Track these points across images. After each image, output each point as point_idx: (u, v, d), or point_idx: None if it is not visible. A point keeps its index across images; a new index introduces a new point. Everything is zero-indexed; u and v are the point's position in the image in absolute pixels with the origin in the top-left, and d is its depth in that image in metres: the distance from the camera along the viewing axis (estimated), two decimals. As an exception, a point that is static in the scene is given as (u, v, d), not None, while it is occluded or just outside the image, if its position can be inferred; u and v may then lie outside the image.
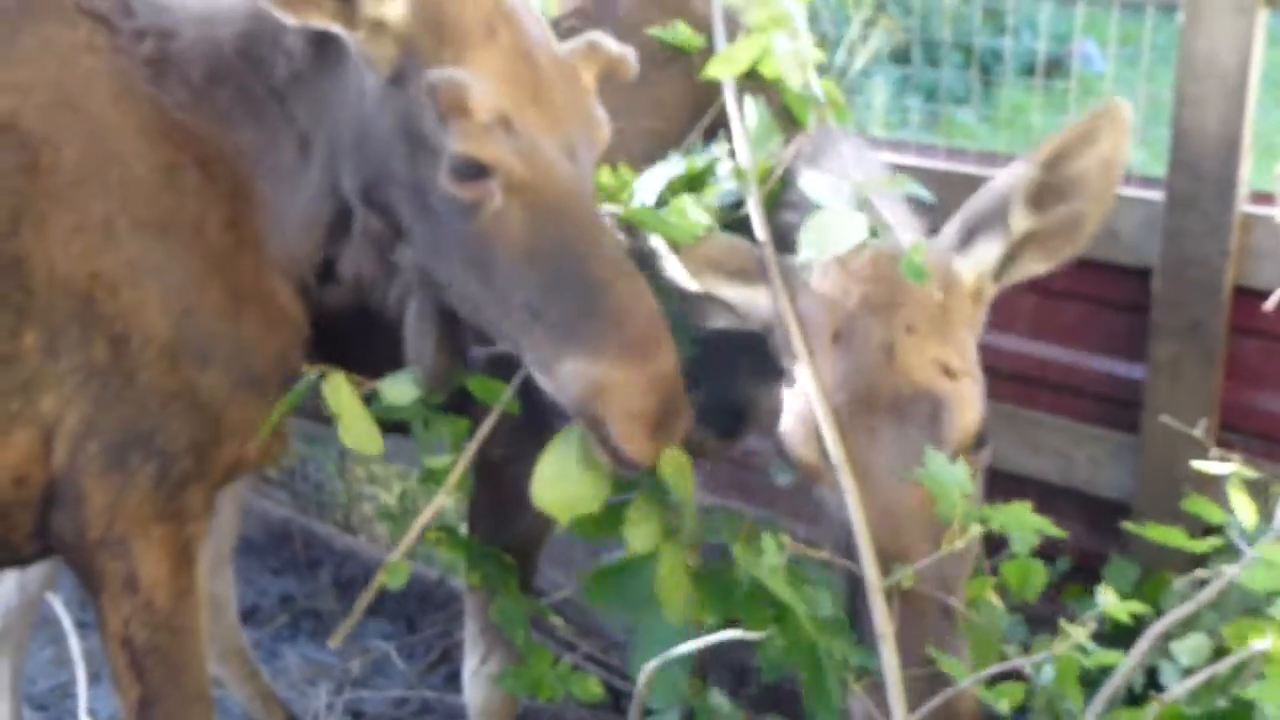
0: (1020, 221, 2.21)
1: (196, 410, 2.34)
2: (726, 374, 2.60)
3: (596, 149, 2.27)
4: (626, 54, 2.27)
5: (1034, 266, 2.28)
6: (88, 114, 2.26)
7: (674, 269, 2.27)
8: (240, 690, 3.71)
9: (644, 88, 2.47)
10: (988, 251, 2.25)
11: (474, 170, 2.11)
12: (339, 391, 2.37)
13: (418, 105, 2.13)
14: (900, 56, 4.21)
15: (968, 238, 2.25)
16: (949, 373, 2.14)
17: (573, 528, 2.40)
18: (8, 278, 2.21)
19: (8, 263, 2.21)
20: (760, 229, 2.29)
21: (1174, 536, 2.27)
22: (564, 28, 2.64)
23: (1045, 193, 2.21)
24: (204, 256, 2.32)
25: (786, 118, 2.56)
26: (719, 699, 2.60)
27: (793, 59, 2.56)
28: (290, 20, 2.13)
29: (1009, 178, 2.21)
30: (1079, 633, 1.95)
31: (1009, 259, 2.27)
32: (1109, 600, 1.97)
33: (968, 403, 2.14)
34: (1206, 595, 2.12)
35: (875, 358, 2.11)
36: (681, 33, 2.59)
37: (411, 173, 2.19)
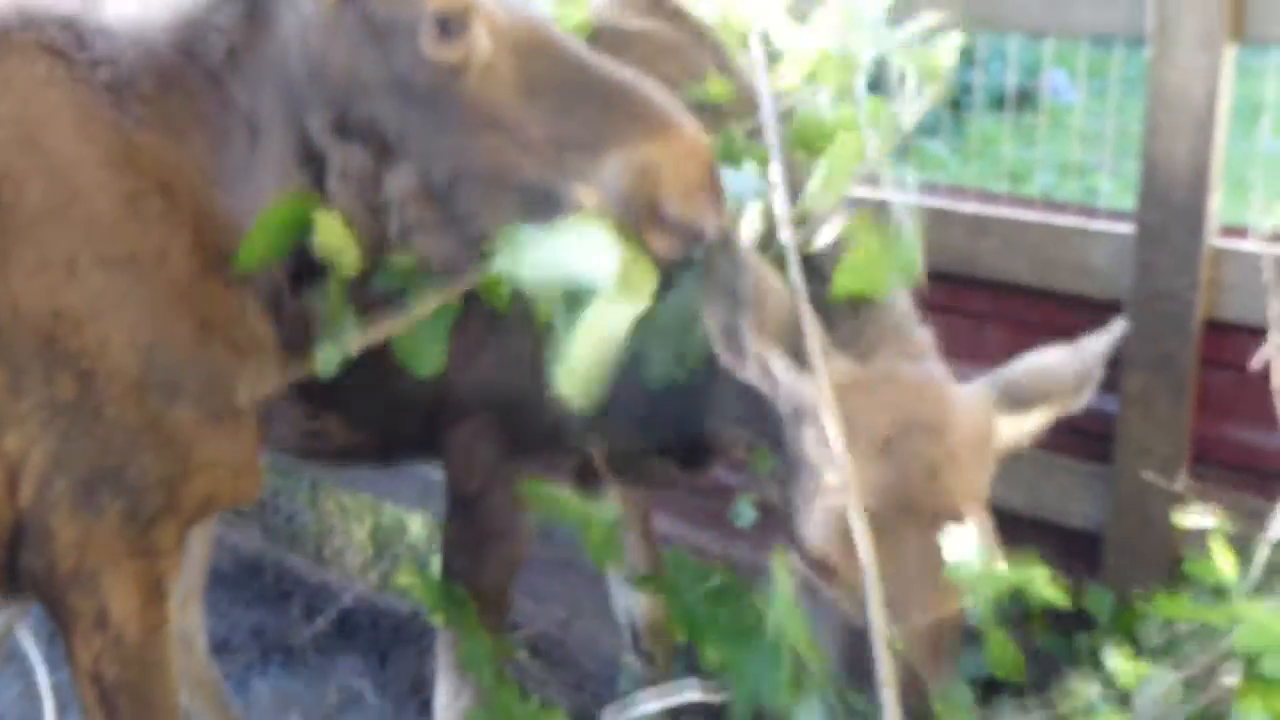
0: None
1: (166, 444, 2.31)
2: (692, 406, 2.59)
3: None
4: None
5: None
6: (49, 150, 2.24)
7: (750, 322, 2.25)
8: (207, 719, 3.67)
9: None
10: (1026, 424, 2.38)
11: (455, 24, 2.15)
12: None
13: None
14: (872, 87, 4.18)
15: (1011, 403, 2.35)
16: (975, 500, 2.20)
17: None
18: None
19: None
20: (808, 321, 2.27)
21: (1182, 609, 2.29)
22: None
23: None
24: (169, 287, 2.29)
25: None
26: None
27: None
28: None
29: (1040, 372, 2.41)
30: (1087, 691, 1.95)
31: None
32: (1118, 665, 1.96)
33: (989, 534, 2.20)
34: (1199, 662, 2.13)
35: (919, 474, 2.14)
36: (714, 87, 2.61)
37: (387, 70, 2.21)
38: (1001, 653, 2.26)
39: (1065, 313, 3.20)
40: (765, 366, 2.27)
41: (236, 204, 2.34)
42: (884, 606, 2.06)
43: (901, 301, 2.46)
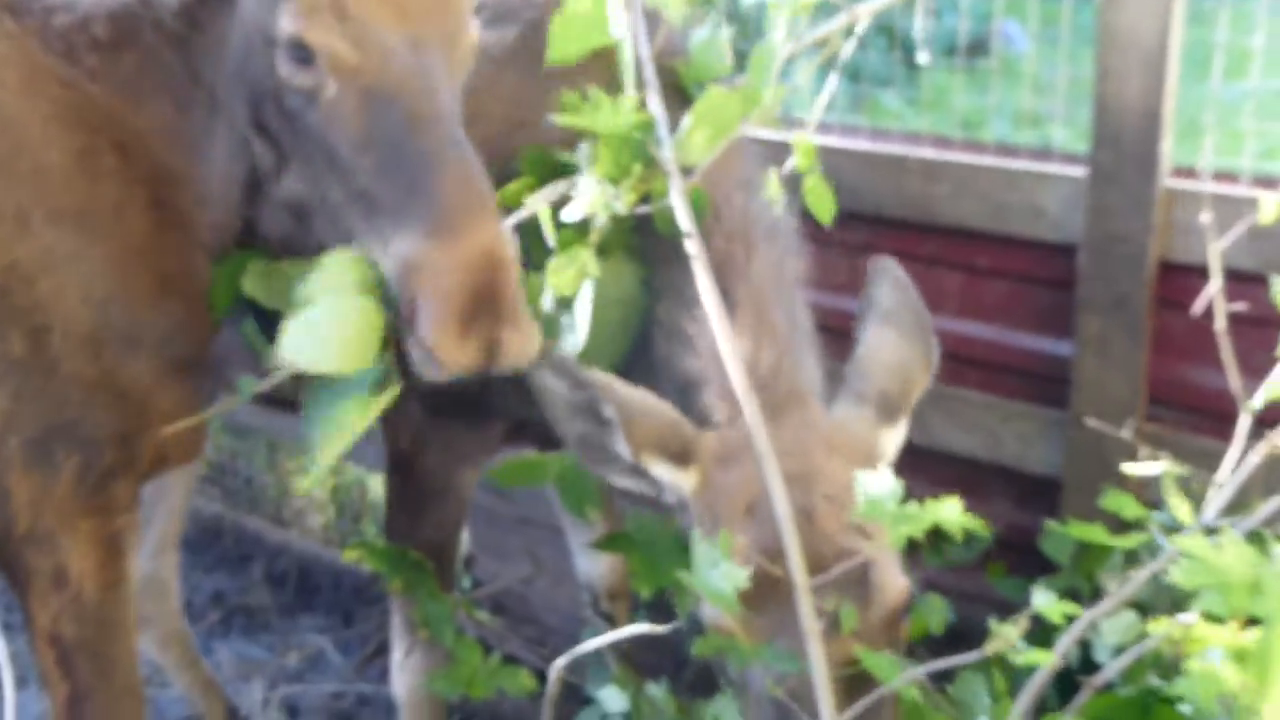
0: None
1: (121, 399, 2.30)
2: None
3: (455, 50, 2.18)
4: None
5: None
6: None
7: (620, 442, 2.22)
8: (180, 678, 3.67)
9: (567, 82, 2.43)
10: (900, 433, 2.37)
11: (303, 54, 2.07)
12: None
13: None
14: (825, 40, 4.14)
15: (886, 414, 2.35)
16: (865, 534, 2.14)
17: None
18: None
19: None
20: (709, 300, 2.19)
21: (1095, 533, 2.30)
22: (483, 19, 2.59)
23: None
24: (125, 242, 2.28)
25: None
26: (654, 689, 2.58)
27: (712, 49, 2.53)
28: None
29: (894, 369, 2.38)
30: (1010, 633, 1.93)
31: None
32: (1042, 601, 1.94)
33: (890, 566, 2.15)
34: (1129, 590, 2.11)
35: (797, 523, 2.07)
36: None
37: (270, 76, 2.14)
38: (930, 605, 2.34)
39: (1019, 256, 3.20)
40: (641, 473, 2.26)
41: (193, 168, 2.32)
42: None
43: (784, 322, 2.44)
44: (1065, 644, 2.05)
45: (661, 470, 2.24)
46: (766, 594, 2.07)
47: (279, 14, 2.07)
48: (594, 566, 3.45)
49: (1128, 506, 2.35)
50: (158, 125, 2.31)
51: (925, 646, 2.49)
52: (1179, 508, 2.29)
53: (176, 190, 2.33)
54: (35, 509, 2.27)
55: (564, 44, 2.38)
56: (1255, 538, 1.97)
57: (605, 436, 2.24)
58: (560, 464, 2.49)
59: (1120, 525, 2.39)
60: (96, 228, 2.26)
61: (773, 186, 2.48)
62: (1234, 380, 2.37)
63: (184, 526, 3.62)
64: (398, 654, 3.13)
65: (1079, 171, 3.03)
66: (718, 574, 2.02)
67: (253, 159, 2.29)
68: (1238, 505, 2.36)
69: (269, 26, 2.10)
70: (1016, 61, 5.25)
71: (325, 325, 2.12)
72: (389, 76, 2.07)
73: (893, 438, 2.36)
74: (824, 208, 2.42)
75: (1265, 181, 2.92)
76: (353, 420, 2.20)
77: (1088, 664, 2.35)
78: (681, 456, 2.24)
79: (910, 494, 2.06)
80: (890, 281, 2.47)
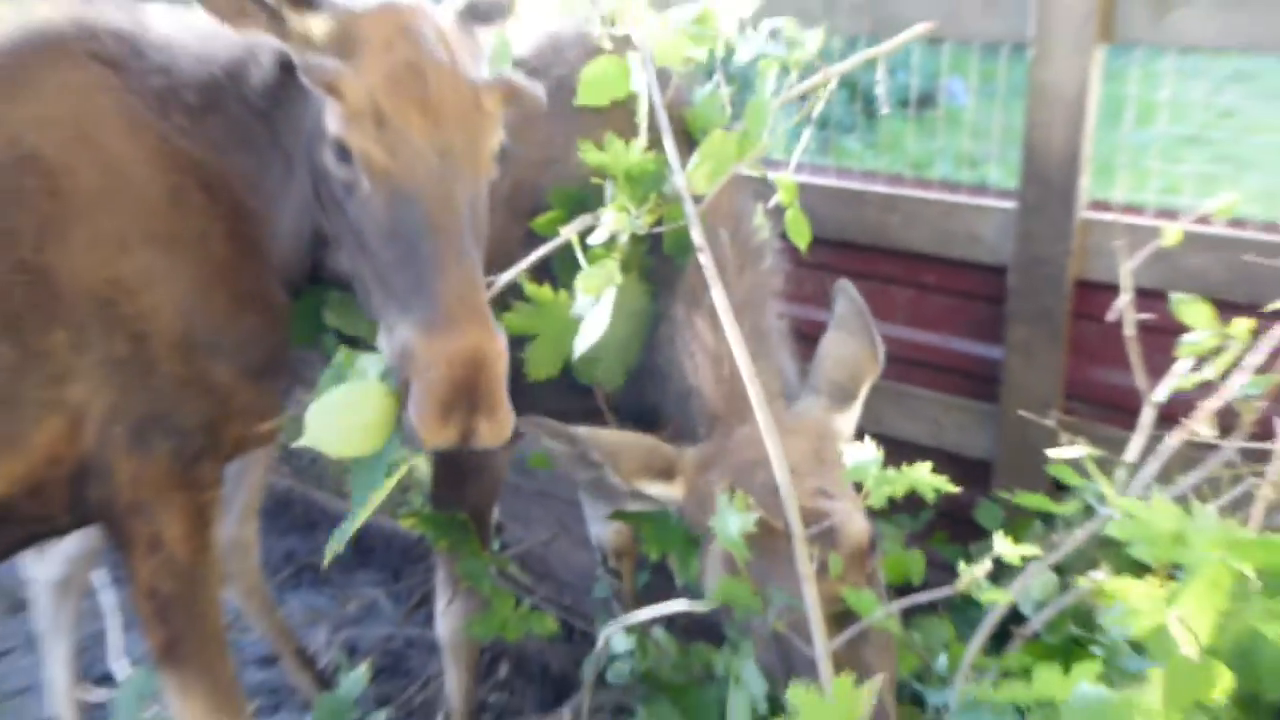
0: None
1: (208, 395, 2.30)
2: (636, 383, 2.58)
3: (479, 157, 2.12)
4: (534, 87, 2.18)
5: None
6: (101, 145, 2.22)
7: (611, 475, 2.26)
8: (259, 623, 3.67)
9: (591, 126, 2.44)
10: (854, 415, 2.40)
11: (344, 153, 2.05)
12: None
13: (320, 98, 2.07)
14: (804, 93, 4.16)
15: (841, 400, 2.39)
16: (828, 495, 2.17)
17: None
18: (38, 285, 2.16)
19: (37, 272, 2.16)
20: (716, 290, 2.24)
21: (1040, 501, 2.31)
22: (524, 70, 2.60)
23: None
24: (209, 264, 2.28)
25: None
26: (657, 633, 2.59)
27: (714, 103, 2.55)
28: (231, 30, 2.08)
29: (844, 362, 2.44)
30: (977, 571, 1.94)
31: None
32: (1004, 546, 1.96)
33: (851, 514, 2.16)
34: (1070, 545, 2.14)
35: (766, 496, 2.11)
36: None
37: (323, 162, 2.12)
38: (900, 558, 2.38)
39: (959, 276, 3.21)
40: (641, 494, 2.31)
41: (269, 213, 2.32)
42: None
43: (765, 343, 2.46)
44: (1021, 583, 2.08)
45: (653, 488, 2.29)
46: (756, 550, 2.10)
47: (327, 114, 2.05)
48: (603, 531, 3.45)
49: (1070, 476, 2.37)
50: (238, 174, 2.30)
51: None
52: (1098, 483, 2.30)
53: (253, 226, 2.33)
54: (135, 485, 2.27)
55: (592, 93, 2.41)
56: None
57: (602, 475, 2.28)
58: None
59: (1053, 498, 2.41)
60: (185, 252, 2.26)
61: (759, 217, 2.50)
62: (1139, 379, 2.38)
63: (262, 498, 3.62)
64: (441, 603, 3.12)
65: (1010, 204, 3.03)
66: (732, 524, 2.05)
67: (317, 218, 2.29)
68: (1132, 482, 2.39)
69: (320, 122, 2.09)
70: (958, 112, 5.25)
71: (340, 413, 2.10)
72: (415, 181, 2.02)
73: (847, 418, 2.39)
74: (802, 235, 2.43)
75: (1167, 213, 2.93)
76: (375, 493, 2.23)
77: (1016, 617, 2.36)
78: (666, 473, 2.29)
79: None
80: (843, 295, 2.52)
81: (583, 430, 2.28)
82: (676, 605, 2.28)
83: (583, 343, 2.30)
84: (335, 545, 2.24)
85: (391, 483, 2.21)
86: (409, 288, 2.01)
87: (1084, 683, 1.67)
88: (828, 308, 2.55)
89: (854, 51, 2.76)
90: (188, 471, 2.31)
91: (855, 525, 2.15)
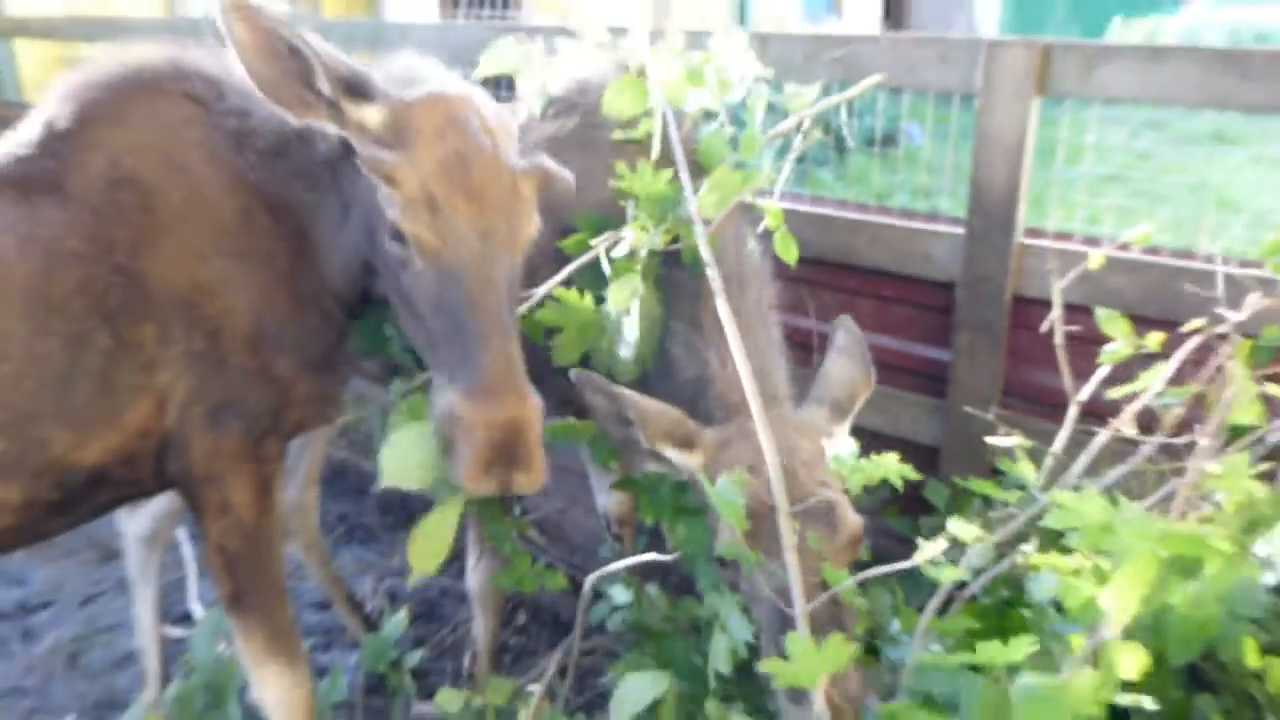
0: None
1: (272, 384, 2.28)
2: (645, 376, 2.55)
3: (518, 239, 2.08)
4: (564, 173, 2.15)
5: None
6: (187, 171, 2.21)
7: (639, 435, 2.24)
8: (316, 574, 3.65)
9: (613, 156, 2.41)
10: (848, 426, 2.40)
11: (399, 236, 2.01)
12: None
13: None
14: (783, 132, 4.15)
15: (838, 415, 2.38)
16: (830, 488, 2.18)
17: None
18: (132, 287, 2.15)
19: (132, 276, 2.15)
20: (724, 312, 2.21)
21: (989, 488, 2.28)
22: (552, 111, 2.57)
23: None
24: (274, 275, 2.27)
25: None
26: (650, 589, 2.57)
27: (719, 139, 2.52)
28: (295, 121, 2.05)
29: (845, 383, 2.42)
30: (934, 548, 1.92)
31: None
32: (960, 528, 1.95)
33: (846, 504, 2.17)
34: (1013, 526, 2.13)
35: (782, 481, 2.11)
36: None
37: (380, 234, 2.09)
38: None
39: (914, 290, 3.18)
40: (661, 458, 2.28)
41: (326, 243, 2.30)
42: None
43: (763, 353, 2.43)
44: (968, 558, 2.05)
45: (673, 454, 2.26)
46: (761, 527, 2.10)
47: (383, 199, 2.01)
48: (608, 501, 3.43)
49: (1009, 466, 2.33)
50: (301, 206, 2.28)
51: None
52: (1025, 469, 2.29)
53: (312, 250, 2.31)
54: (210, 458, 2.25)
55: (614, 104, 2.38)
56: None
57: (631, 434, 2.25)
58: (592, 429, 2.47)
59: (989, 478, 2.38)
60: (254, 263, 2.24)
61: (750, 240, 2.49)
62: (1066, 380, 2.35)
63: (322, 467, 3.61)
64: (471, 559, 3.11)
65: (959, 230, 3.00)
66: (732, 496, 2.03)
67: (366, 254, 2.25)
68: (1059, 471, 2.37)
69: (376, 202, 2.05)
70: (916, 152, 5.22)
71: (407, 452, 2.12)
72: (460, 260, 1.99)
73: (842, 430, 2.39)
74: (790, 254, 2.41)
75: (1092, 240, 2.92)
76: (441, 535, 2.24)
77: (958, 584, 2.33)
78: (687, 443, 2.26)
79: (835, 457, 2.06)
80: (845, 328, 2.53)
81: (625, 390, 2.26)
82: (646, 557, 2.32)
83: (625, 349, 2.33)
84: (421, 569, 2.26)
85: (451, 532, 2.25)
86: (456, 358, 1.99)
87: (1025, 674, 1.63)
88: (805, 315, 2.54)
89: (828, 98, 2.72)
90: (255, 447, 2.29)
91: (852, 518, 2.16)
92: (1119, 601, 1.58)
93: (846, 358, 2.47)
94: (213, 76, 2.27)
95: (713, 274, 2.20)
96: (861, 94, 2.56)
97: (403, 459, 2.13)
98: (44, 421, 2.10)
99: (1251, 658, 1.74)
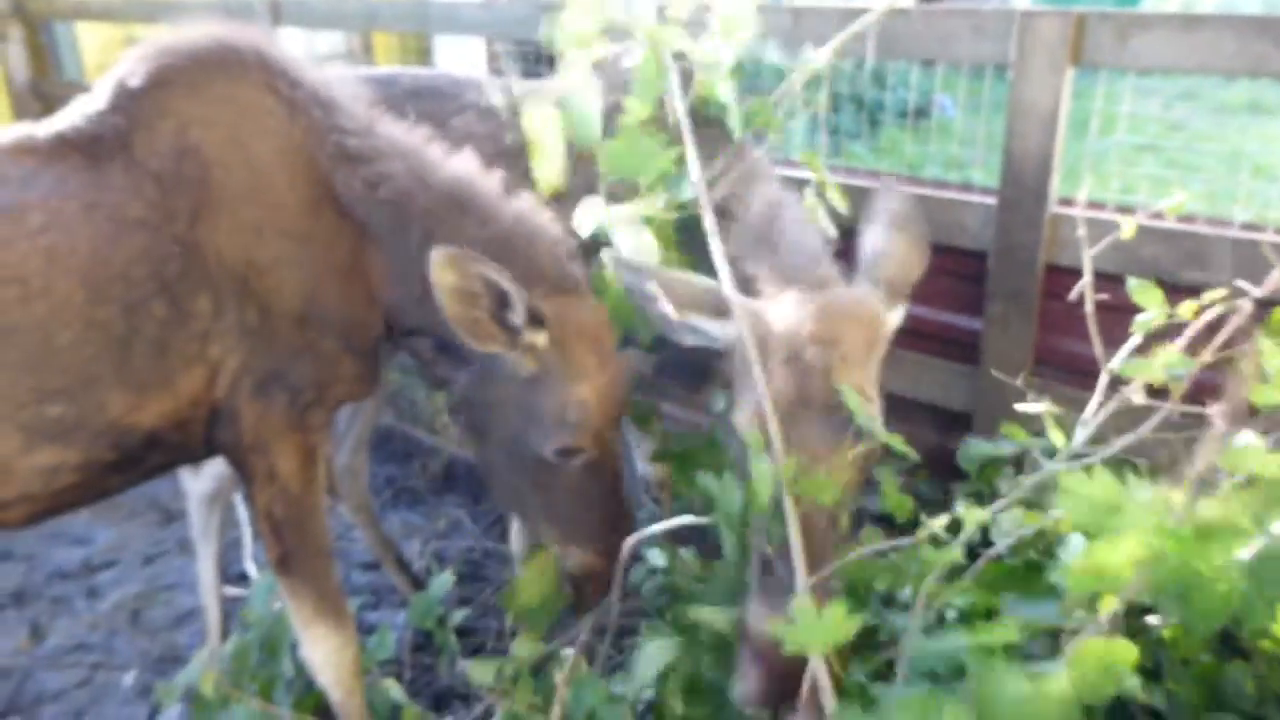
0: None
1: (318, 360, 2.28)
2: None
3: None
4: None
5: None
6: (254, 153, 2.19)
7: (665, 306, 2.12)
8: (365, 535, 3.68)
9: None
10: (901, 311, 2.20)
11: (569, 453, 2.23)
12: None
13: (543, 399, 2.20)
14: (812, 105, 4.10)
15: (893, 297, 2.17)
16: (864, 395, 2.02)
17: None
18: (190, 257, 2.15)
19: (190, 246, 2.15)
20: (722, 267, 2.16)
21: (1020, 434, 2.28)
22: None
23: None
24: (329, 263, 2.26)
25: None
26: (684, 553, 2.56)
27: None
28: (478, 348, 2.13)
29: (901, 263, 2.23)
30: (936, 524, 1.89)
31: None
32: (959, 507, 1.91)
33: (876, 418, 2.03)
34: (1018, 493, 2.07)
35: (818, 375, 1.99)
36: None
37: (518, 423, 2.25)
38: (893, 496, 2.22)
39: (947, 259, 3.13)
40: (692, 328, 2.14)
41: (387, 275, 2.32)
42: (793, 471, 1.94)
43: (810, 242, 2.32)
44: (968, 532, 2.01)
45: (704, 323, 2.12)
46: (787, 423, 1.99)
47: (562, 427, 2.20)
48: (647, 468, 3.43)
49: (1018, 435, 2.30)
50: (378, 223, 2.29)
51: (880, 526, 2.45)
52: (1056, 436, 2.24)
53: (369, 264, 2.31)
54: (257, 427, 2.26)
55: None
56: (1115, 464, 1.92)
57: (658, 307, 2.13)
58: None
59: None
60: (311, 249, 2.23)
61: (809, 201, 2.45)
62: (1097, 349, 2.30)
63: (370, 433, 3.63)
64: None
65: (991, 200, 2.95)
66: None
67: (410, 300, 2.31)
68: (1097, 439, 2.31)
69: (540, 412, 2.21)
70: (948, 123, 5.14)
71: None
72: (606, 458, 2.27)
73: (895, 316, 2.19)
74: (839, 202, 2.39)
75: (1125, 209, 2.85)
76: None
77: (987, 543, 2.30)
78: (717, 311, 2.12)
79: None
80: (898, 198, 2.32)
81: (648, 264, 2.19)
82: (681, 520, 2.27)
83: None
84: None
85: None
86: (575, 521, 2.33)
87: (1005, 675, 1.58)
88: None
89: (861, 72, 2.68)
90: (300, 418, 2.29)
91: (876, 427, 2.01)
92: (1118, 575, 1.54)
93: (902, 233, 2.25)
94: (298, 79, 2.27)
95: (710, 227, 2.13)
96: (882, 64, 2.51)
97: (527, 596, 2.40)
98: (102, 385, 2.11)
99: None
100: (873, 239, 2.25)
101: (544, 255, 2.23)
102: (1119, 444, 2.03)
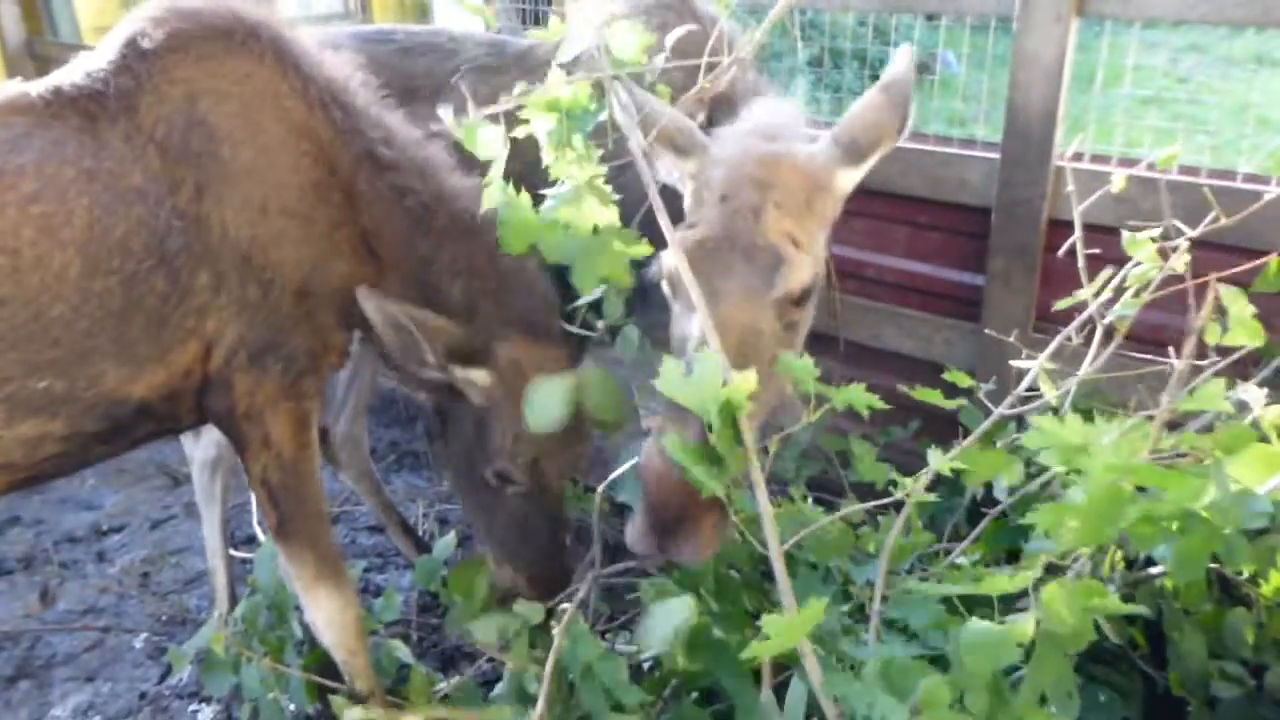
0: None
1: (313, 332, 2.26)
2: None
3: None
4: None
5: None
6: (264, 130, 2.15)
7: (636, 133, 2.06)
8: (369, 499, 3.66)
9: None
10: (857, 176, 2.11)
11: (508, 481, 2.39)
12: None
13: (488, 426, 2.35)
14: (815, 63, 4.05)
15: (851, 156, 2.08)
16: (795, 243, 1.96)
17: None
18: (193, 231, 2.11)
19: (194, 220, 2.11)
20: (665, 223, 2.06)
21: (962, 379, 2.26)
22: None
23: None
24: (331, 244, 2.24)
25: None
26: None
27: None
28: (415, 371, 2.29)
29: (870, 125, 2.10)
30: (916, 483, 1.87)
31: None
32: (935, 460, 1.89)
33: (800, 266, 1.95)
34: (975, 436, 2.05)
35: (746, 215, 1.95)
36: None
37: (470, 439, 2.40)
38: (868, 464, 2.28)
39: (949, 215, 3.09)
40: (656, 163, 2.11)
41: (389, 272, 2.33)
42: (714, 318, 1.88)
43: (780, 119, 2.23)
44: (922, 481, 1.95)
45: (666, 161, 2.12)
46: (711, 259, 1.95)
47: (502, 456, 2.36)
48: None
49: (961, 380, 2.27)
50: (385, 230, 2.31)
51: (856, 492, 2.43)
52: (1047, 388, 2.21)
53: (374, 254, 2.31)
54: (251, 396, 2.23)
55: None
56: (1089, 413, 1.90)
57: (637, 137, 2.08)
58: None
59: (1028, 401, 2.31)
60: (314, 229, 2.21)
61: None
62: (1092, 302, 2.27)
63: (371, 398, 3.61)
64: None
65: (994, 155, 2.90)
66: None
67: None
68: (1094, 393, 2.29)
69: (488, 439, 2.36)
70: (952, 78, 5.06)
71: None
72: (549, 492, 2.43)
73: (851, 176, 2.11)
74: None
75: (1129, 162, 2.81)
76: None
77: (991, 500, 2.29)
78: (685, 151, 2.10)
79: (870, 382, 1.98)
80: (904, 60, 2.19)
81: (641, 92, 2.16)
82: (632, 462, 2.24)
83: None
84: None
85: None
86: (515, 546, 2.49)
87: (974, 620, 1.57)
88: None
89: (866, 28, 2.62)
90: (293, 386, 2.27)
91: (797, 275, 1.95)
92: (1084, 527, 1.52)
93: (884, 96, 2.13)
94: (312, 73, 2.23)
95: (654, 193, 2.05)
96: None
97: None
98: (96, 358, 2.07)
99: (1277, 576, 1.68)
100: (861, 99, 2.17)
101: (522, 300, 2.34)
102: (1069, 383, 2.02)
